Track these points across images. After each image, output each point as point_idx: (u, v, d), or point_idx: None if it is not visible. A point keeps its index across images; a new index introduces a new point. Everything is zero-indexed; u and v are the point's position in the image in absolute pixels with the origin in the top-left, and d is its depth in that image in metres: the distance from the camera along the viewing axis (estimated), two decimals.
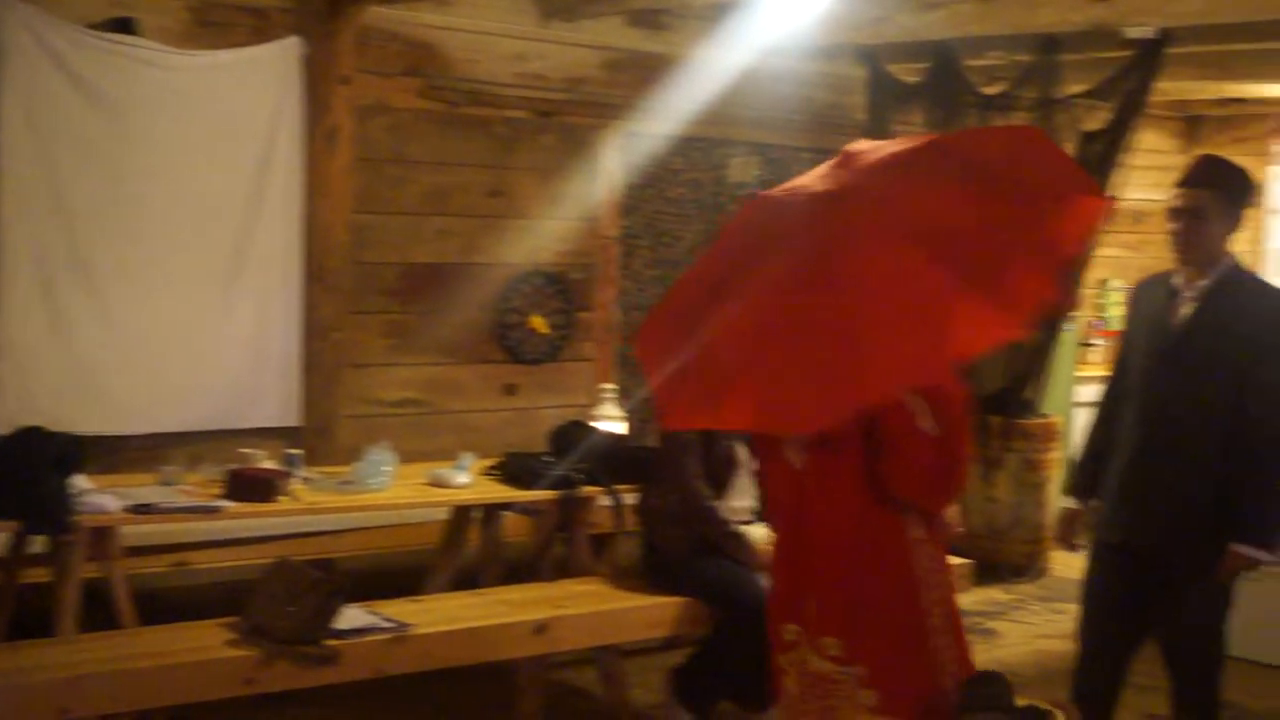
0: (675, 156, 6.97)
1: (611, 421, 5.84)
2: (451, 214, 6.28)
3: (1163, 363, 4.09)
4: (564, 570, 5.16)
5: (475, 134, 6.35)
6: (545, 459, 5.17)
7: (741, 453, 4.89)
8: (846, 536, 3.44)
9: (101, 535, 4.35)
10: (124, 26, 5.45)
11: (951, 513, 3.58)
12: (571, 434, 5.31)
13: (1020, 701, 4.05)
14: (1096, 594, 4.32)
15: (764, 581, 4.66)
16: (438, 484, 4.98)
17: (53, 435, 4.39)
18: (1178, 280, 4.11)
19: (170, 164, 5.46)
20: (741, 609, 4.63)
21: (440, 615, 4.46)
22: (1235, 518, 3.98)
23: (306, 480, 4.81)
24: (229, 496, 4.46)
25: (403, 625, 4.23)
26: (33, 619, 4.41)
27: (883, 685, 3.41)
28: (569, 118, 6.61)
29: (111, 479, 4.68)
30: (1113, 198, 3.11)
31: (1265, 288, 4.16)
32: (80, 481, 4.32)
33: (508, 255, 6.43)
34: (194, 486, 4.60)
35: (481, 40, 6.36)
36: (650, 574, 4.94)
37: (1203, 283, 4.05)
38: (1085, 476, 4.37)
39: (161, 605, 4.75)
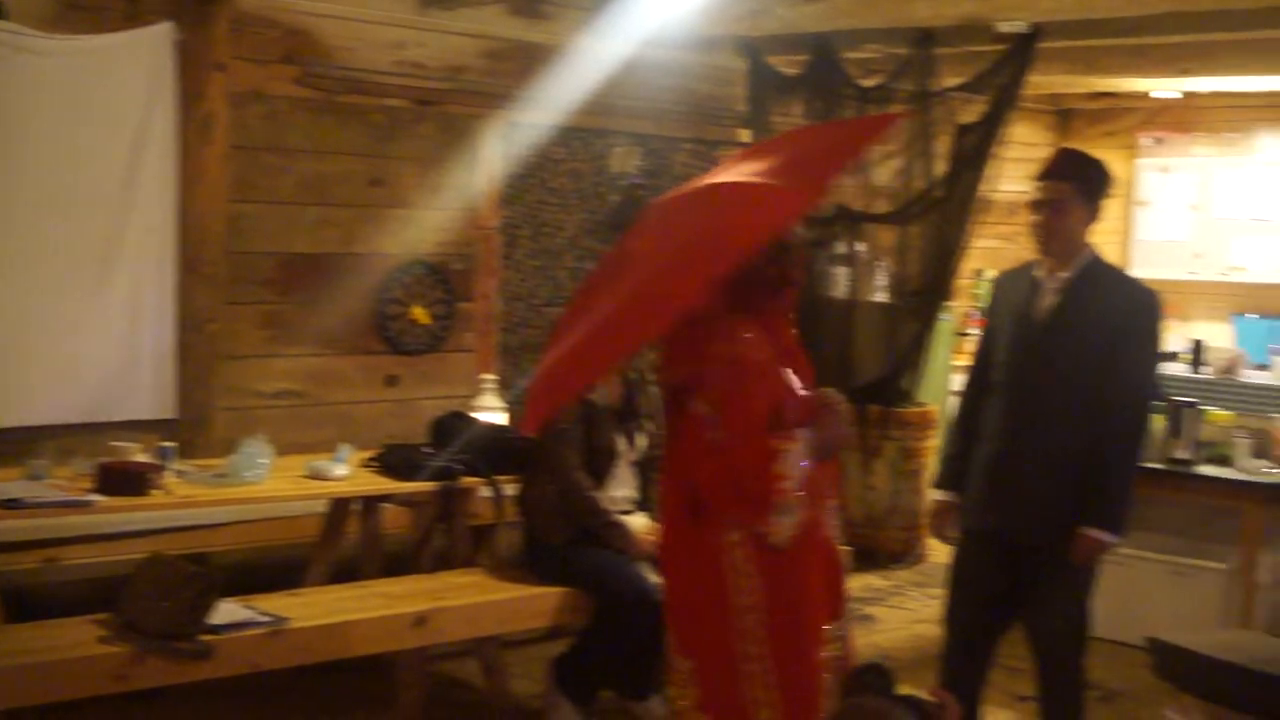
0: (556, 147, 6.95)
1: (492, 412, 5.83)
2: (330, 204, 6.22)
3: (1028, 354, 4.15)
4: (444, 562, 5.13)
5: (354, 123, 6.29)
6: (425, 450, 5.15)
7: (621, 443, 4.92)
8: (672, 533, 3.52)
9: None
10: None
11: (779, 526, 3.40)
12: (451, 425, 5.29)
13: (902, 690, 4.12)
14: (964, 581, 4.41)
15: (645, 571, 4.71)
16: (315, 476, 4.93)
17: None
18: (1040, 272, 4.17)
19: (39, 151, 5.33)
20: (621, 598, 4.66)
21: (318, 609, 4.43)
22: (1087, 502, 4.07)
23: (180, 474, 4.73)
24: (100, 490, 4.38)
25: (279, 619, 4.20)
26: None
27: (702, 684, 3.45)
28: (449, 107, 6.57)
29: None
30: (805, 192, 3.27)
31: (1124, 279, 4.25)
32: None
33: (388, 245, 6.38)
34: (64, 481, 4.51)
35: (359, 28, 6.29)
36: (531, 565, 4.95)
37: (1065, 274, 4.11)
38: (952, 468, 4.44)
39: (31, 602, 4.66)
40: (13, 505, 4.20)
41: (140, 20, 5.62)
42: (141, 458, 4.70)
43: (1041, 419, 4.12)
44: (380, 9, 6.32)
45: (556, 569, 4.83)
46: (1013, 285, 4.30)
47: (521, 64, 6.73)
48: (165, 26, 5.65)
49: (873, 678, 3.65)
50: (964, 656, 4.42)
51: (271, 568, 5.33)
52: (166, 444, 4.86)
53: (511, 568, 5.01)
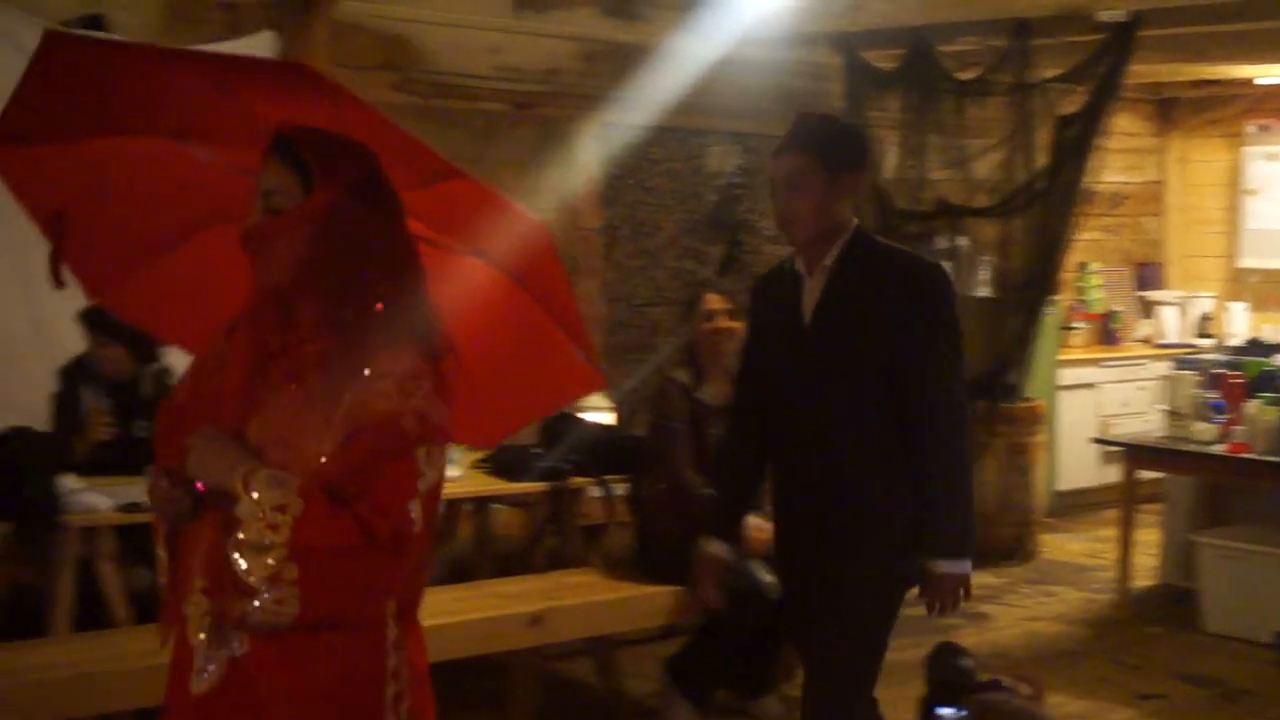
0: (653, 147, 6.95)
1: (599, 412, 5.80)
2: None
3: (799, 363, 3.40)
4: (556, 562, 5.12)
5: (452, 127, 6.31)
6: (534, 451, 5.14)
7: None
8: None
9: (91, 534, 4.28)
10: (95, 24, 5.38)
11: None
12: (560, 425, 5.28)
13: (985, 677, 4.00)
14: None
15: (757, 569, 4.67)
16: None
17: (40, 435, 4.33)
18: (800, 265, 3.41)
19: None
20: (735, 596, 4.61)
21: (433, 609, 4.32)
22: (922, 534, 3.30)
23: None
24: None
25: None
26: (25, 619, 4.35)
27: None
28: (546, 110, 6.58)
29: (100, 479, 4.60)
30: None
31: (894, 255, 3.42)
32: (69, 481, 4.26)
33: None
34: None
35: (455, 33, 6.32)
36: (643, 564, 4.92)
37: (825, 263, 3.35)
38: (721, 514, 3.71)
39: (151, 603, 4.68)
40: (135, 509, 4.21)
41: (241, 30, 5.69)
42: None
43: (822, 440, 3.37)
44: (475, 14, 6.34)
45: (669, 568, 4.78)
46: (775, 288, 3.50)
47: (616, 65, 6.72)
48: (266, 35, 5.70)
49: (950, 657, 3.57)
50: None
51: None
52: None
53: (624, 567, 4.98)
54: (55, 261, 2.46)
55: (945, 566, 3.27)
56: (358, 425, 2.16)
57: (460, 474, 5.00)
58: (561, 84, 6.63)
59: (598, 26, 6.71)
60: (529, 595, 4.65)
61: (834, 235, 3.33)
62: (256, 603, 2.08)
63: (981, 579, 6.48)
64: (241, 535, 2.09)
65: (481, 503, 5.24)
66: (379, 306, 2.29)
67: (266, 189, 2.35)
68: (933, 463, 3.27)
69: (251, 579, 2.08)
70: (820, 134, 3.36)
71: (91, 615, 4.32)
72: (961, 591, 3.32)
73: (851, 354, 3.31)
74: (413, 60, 6.20)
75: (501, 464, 5.09)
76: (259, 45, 5.67)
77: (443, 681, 4.96)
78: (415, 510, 2.16)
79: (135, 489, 4.39)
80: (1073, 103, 6.93)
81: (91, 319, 4.66)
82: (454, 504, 5.25)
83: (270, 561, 2.08)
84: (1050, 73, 6.93)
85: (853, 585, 3.32)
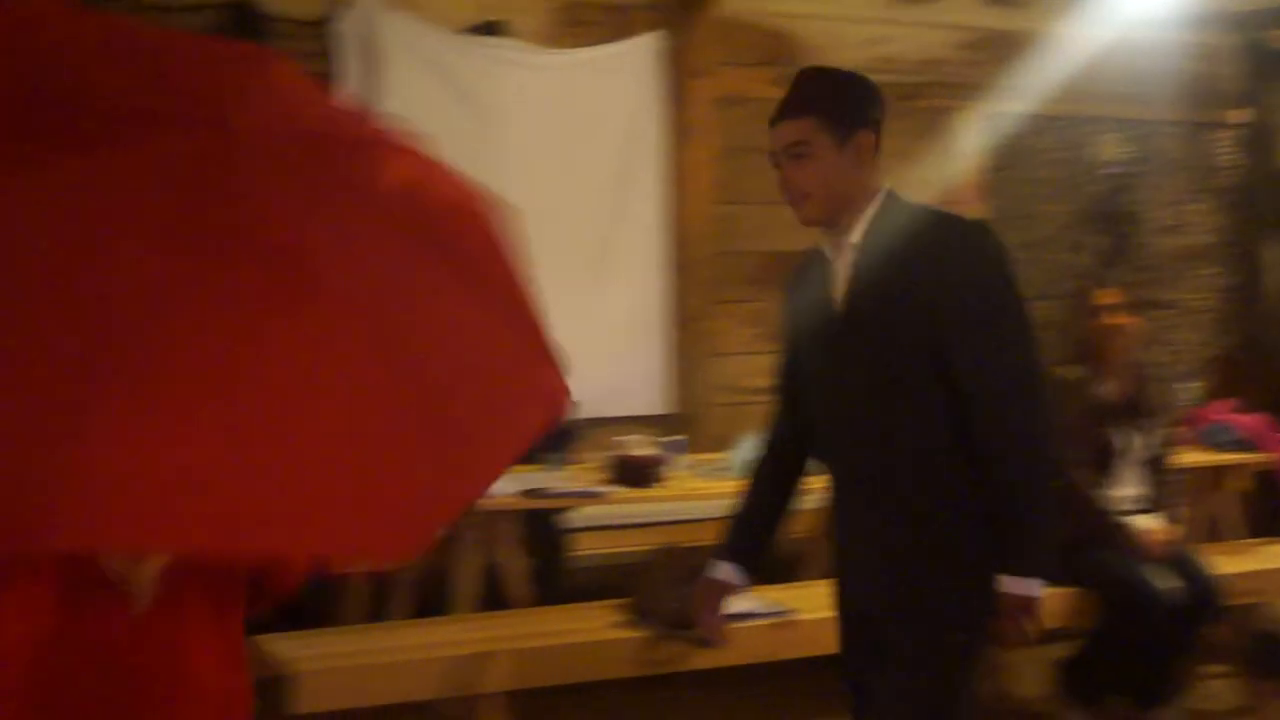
0: (1037, 136, 6.76)
1: None
2: None
3: (831, 359, 2.89)
4: None
5: None
6: None
7: (1124, 440, 4.72)
8: None
9: (496, 519, 4.48)
10: (493, 30, 5.63)
11: None
12: None
13: None
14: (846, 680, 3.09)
15: (1152, 574, 4.49)
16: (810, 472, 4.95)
17: None
18: (826, 248, 2.89)
19: (539, 159, 5.61)
20: (1130, 601, 4.46)
21: (821, 602, 4.36)
22: (999, 550, 2.79)
23: (686, 467, 4.84)
24: (613, 482, 4.53)
25: (786, 611, 4.24)
26: (431, 599, 4.59)
27: None
28: (926, 101, 6.49)
29: None
30: None
31: (929, 217, 2.85)
32: None
33: None
34: (579, 472, 4.70)
35: (835, 26, 6.31)
36: None
37: (851, 240, 2.82)
38: (734, 533, 3.19)
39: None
40: (536, 494, 4.41)
41: (629, 32, 5.85)
42: (649, 451, 4.83)
43: (866, 446, 2.85)
44: (855, 7, 6.33)
45: (1059, 569, 4.65)
46: (806, 279, 2.97)
47: (999, 53, 6.58)
48: (653, 36, 5.83)
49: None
50: None
51: (767, 561, 5.38)
52: (675, 437, 4.97)
53: None
54: None
55: (1008, 585, 2.77)
56: None
57: None
58: (941, 74, 6.53)
59: (979, 15, 6.58)
60: None
61: (857, 207, 2.82)
62: None
63: None
64: None
65: None
66: None
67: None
68: (1009, 472, 2.75)
69: None
70: (819, 91, 2.87)
71: (493, 596, 4.52)
72: (1028, 620, 2.79)
73: (890, 344, 2.78)
74: (793, 55, 6.22)
75: None
76: (647, 46, 5.82)
77: (823, 675, 5.00)
78: None
79: (535, 476, 4.60)
80: None
81: None
82: None
83: None
84: None
85: (908, 616, 2.83)
